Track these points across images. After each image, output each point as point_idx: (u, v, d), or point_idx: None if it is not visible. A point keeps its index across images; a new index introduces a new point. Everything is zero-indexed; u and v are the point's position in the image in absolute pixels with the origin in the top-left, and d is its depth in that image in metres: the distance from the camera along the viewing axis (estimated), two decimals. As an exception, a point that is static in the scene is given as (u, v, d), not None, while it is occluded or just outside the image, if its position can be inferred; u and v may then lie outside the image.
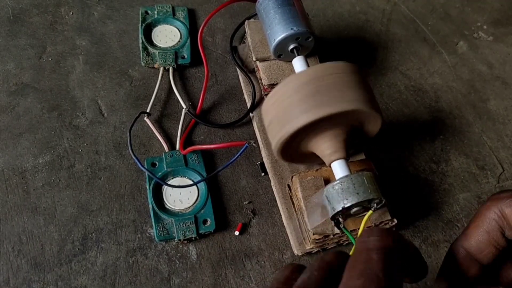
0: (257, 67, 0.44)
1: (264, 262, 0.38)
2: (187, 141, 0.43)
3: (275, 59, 0.43)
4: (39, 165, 0.41)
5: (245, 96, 0.46)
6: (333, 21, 0.54)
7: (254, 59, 0.43)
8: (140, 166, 0.38)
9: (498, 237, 0.26)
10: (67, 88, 0.45)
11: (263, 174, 0.42)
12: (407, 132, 0.47)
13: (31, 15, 0.49)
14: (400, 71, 0.51)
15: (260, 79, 0.43)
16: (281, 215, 0.40)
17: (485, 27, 0.56)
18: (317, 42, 0.42)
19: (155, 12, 0.50)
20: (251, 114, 0.44)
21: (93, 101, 0.45)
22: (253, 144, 0.37)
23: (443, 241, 0.41)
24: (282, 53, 0.42)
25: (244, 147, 0.37)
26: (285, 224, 0.39)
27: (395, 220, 0.36)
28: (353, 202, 0.31)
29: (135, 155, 0.38)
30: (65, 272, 0.36)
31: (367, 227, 0.35)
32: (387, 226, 0.36)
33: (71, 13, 0.50)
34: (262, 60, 0.43)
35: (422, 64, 0.52)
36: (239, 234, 0.39)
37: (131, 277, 0.37)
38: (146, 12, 0.50)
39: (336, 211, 0.32)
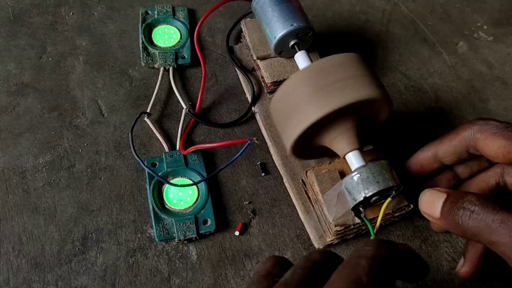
0: (257, 65, 0.44)
1: (264, 262, 0.38)
2: (187, 141, 0.43)
3: (276, 56, 0.43)
4: (39, 165, 0.41)
5: (247, 95, 0.46)
6: (333, 21, 0.54)
7: (254, 58, 0.43)
8: (142, 165, 0.38)
9: (463, 151, 0.34)
10: (67, 88, 0.45)
11: (263, 174, 0.42)
12: (407, 132, 0.47)
13: (31, 15, 0.50)
14: (400, 71, 0.51)
15: (262, 77, 0.43)
16: (280, 215, 0.40)
17: (485, 27, 0.56)
18: (316, 37, 0.42)
19: (155, 12, 0.50)
20: (253, 109, 0.45)
21: (93, 101, 0.45)
22: (255, 141, 0.37)
23: (443, 241, 0.40)
24: (283, 50, 0.42)
25: (247, 144, 0.37)
26: (302, 219, 0.39)
27: (411, 206, 0.36)
28: (374, 191, 0.32)
29: (137, 155, 0.38)
30: (65, 272, 0.36)
31: (385, 214, 0.35)
32: (404, 211, 0.37)
33: (71, 13, 0.50)
34: (263, 58, 0.43)
35: (422, 64, 0.52)
36: (239, 234, 0.39)
37: (131, 277, 0.37)
38: (146, 12, 0.50)
39: (357, 202, 0.32)
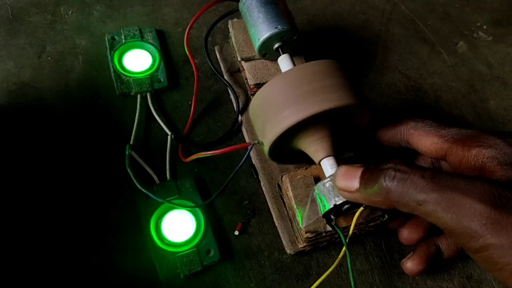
0: (242, 67, 0.43)
1: (263, 262, 0.38)
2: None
3: (260, 58, 0.43)
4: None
5: (231, 97, 0.46)
6: (333, 21, 0.54)
7: (239, 59, 0.43)
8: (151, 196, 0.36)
9: (396, 143, 0.36)
10: (67, 87, 0.45)
11: (255, 176, 0.42)
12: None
13: (31, 14, 0.49)
14: (400, 71, 0.51)
15: (246, 79, 0.43)
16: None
17: (484, 27, 0.56)
18: (302, 41, 0.41)
19: (122, 37, 0.47)
20: (240, 118, 0.44)
21: (92, 101, 0.45)
22: (258, 143, 0.36)
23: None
24: (267, 52, 0.41)
25: (250, 148, 0.36)
26: (276, 224, 0.39)
27: (386, 216, 0.36)
28: (345, 199, 0.31)
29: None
30: None
31: (359, 224, 0.35)
32: (378, 222, 0.36)
33: (70, 12, 0.50)
34: (247, 59, 0.43)
35: (422, 64, 0.52)
36: (239, 233, 0.39)
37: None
38: (113, 38, 0.47)
39: (328, 209, 0.32)
